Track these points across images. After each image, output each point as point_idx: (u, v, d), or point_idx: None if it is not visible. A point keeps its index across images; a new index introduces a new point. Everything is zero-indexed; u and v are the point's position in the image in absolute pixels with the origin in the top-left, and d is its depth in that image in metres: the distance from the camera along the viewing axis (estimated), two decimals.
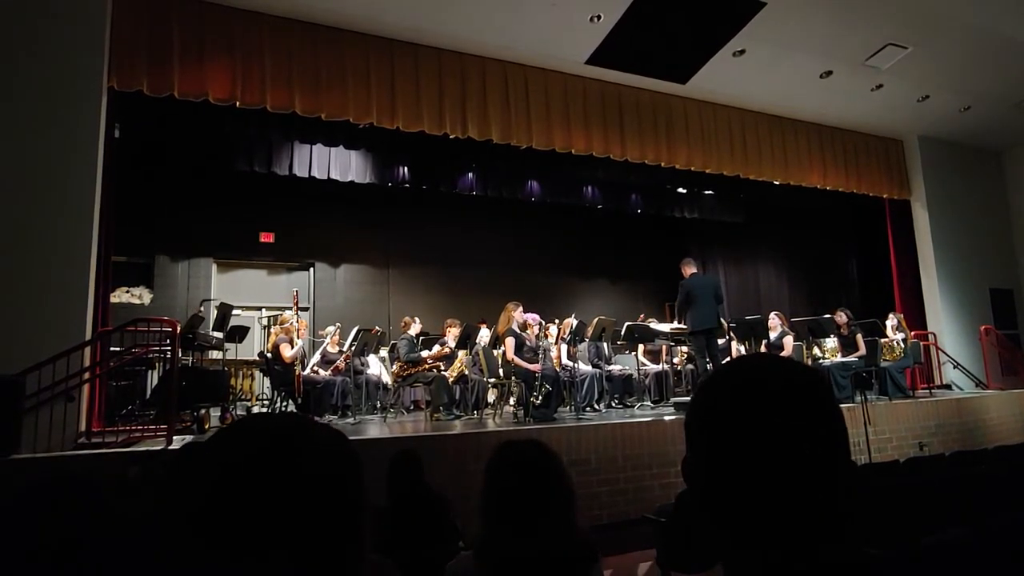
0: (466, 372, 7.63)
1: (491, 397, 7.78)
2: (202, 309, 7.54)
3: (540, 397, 6.62)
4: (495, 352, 7.32)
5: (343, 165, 8.78)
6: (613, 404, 8.33)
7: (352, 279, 11.31)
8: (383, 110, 7.10)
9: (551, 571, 1.44)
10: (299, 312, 7.49)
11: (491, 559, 1.46)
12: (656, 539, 3.58)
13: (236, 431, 0.69)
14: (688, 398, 7.30)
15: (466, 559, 1.54)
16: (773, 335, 8.30)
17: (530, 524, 1.47)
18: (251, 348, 9.33)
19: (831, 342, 8.61)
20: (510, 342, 6.92)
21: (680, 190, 10.92)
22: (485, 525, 1.53)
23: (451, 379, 7.52)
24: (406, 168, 9.20)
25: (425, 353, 7.75)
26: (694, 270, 7.32)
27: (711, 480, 0.71)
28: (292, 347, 6.96)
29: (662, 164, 8.62)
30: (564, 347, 8.15)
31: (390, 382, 8.03)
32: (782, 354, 8.03)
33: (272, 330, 7.64)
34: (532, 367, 6.81)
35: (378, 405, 7.97)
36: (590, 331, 8.11)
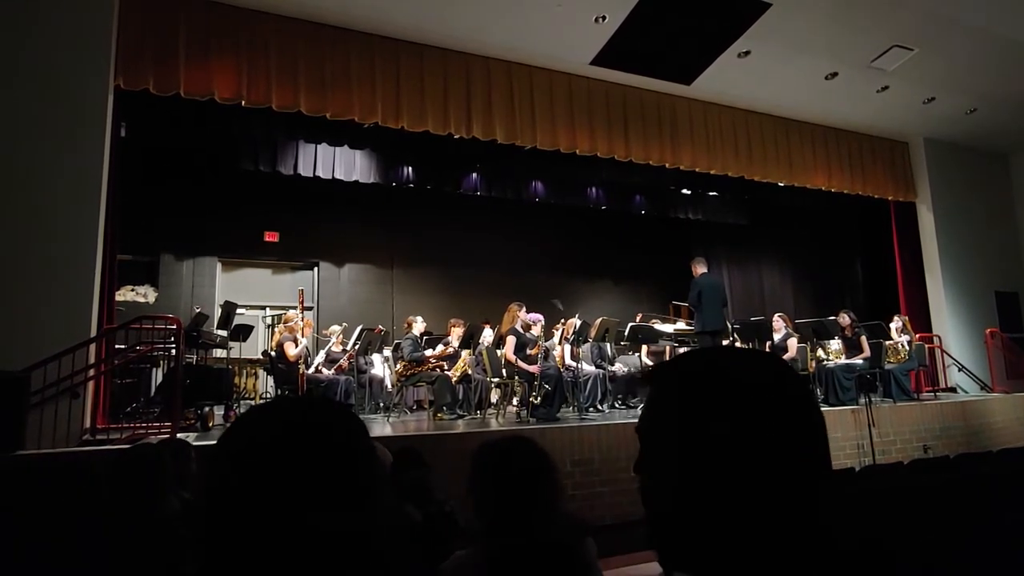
0: (469, 372, 7.64)
1: (494, 397, 7.78)
2: (196, 308, 7.58)
3: (539, 397, 6.63)
4: (498, 352, 7.32)
5: (348, 165, 8.79)
6: (616, 405, 8.32)
7: (356, 279, 11.33)
8: (388, 110, 7.11)
9: (547, 555, 1.49)
10: (304, 311, 7.51)
11: (492, 554, 1.49)
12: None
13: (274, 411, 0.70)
14: None
15: (459, 559, 1.56)
16: (777, 337, 8.28)
17: (523, 516, 1.51)
18: (255, 347, 9.35)
19: (835, 344, 8.59)
20: (510, 340, 6.94)
21: (684, 191, 10.90)
22: (483, 524, 1.56)
23: (454, 379, 7.53)
24: (410, 168, 9.20)
25: (428, 352, 7.76)
26: (704, 269, 7.34)
27: (686, 490, 0.65)
28: (296, 346, 6.97)
29: (666, 165, 8.61)
30: (567, 347, 8.14)
31: (390, 384, 8.04)
32: (786, 356, 8.04)
33: (276, 329, 7.65)
34: (530, 368, 6.82)
35: (381, 404, 7.98)
36: (593, 332, 8.11)
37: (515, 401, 7.37)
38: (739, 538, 0.62)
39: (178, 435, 5.11)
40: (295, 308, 7.51)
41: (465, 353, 7.82)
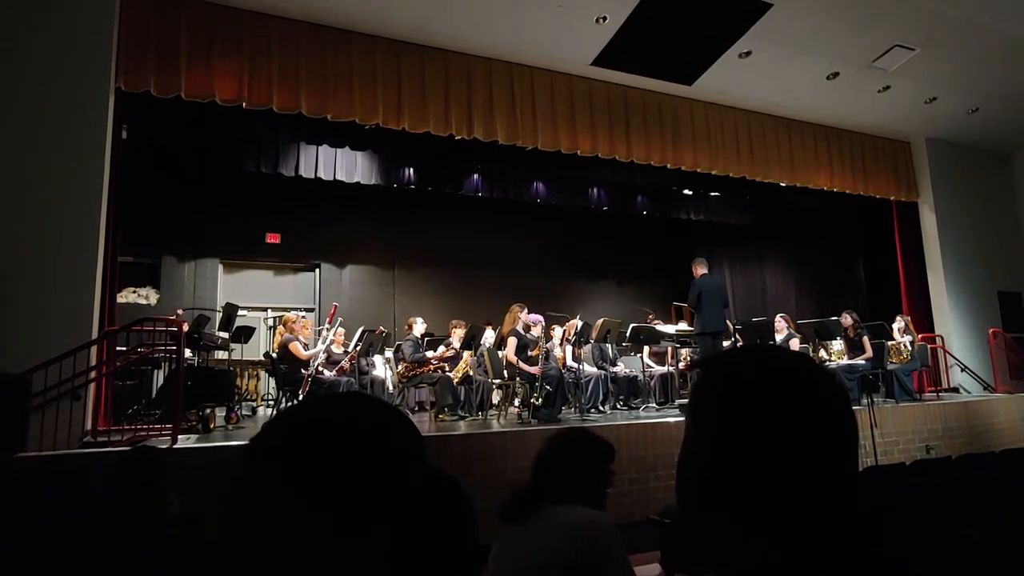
0: (471, 373, 7.63)
1: (496, 398, 7.77)
2: (180, 313, 7.58)
3: (541, 399, 6.62)
4: (499, 353, 7.32)
5: (349, 166, 8.79)
6: (618, 406, 8.31)
7: (358, 280, 11.33)
8: (389, 111, 7.11)
9: None
10: (307, 313, 7.50)
11: None
12: (660, 541, 3.57)
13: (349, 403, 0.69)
14: None
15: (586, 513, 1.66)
16: (779, 337, 8.27)
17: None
18: (256, 348, 9.35)
19: (838, 344, 8.57)
20: (512, 342, 6.95)
21: (686, 191, 10.89)
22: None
23: (456, 380, 7.52)
24: (412, 169, 9.20)
25: (430, 354, 7.75)
26: (705, 270, 7.33)
27: (719, 462, 0.68)
28: (303, 346, 7.00)
29: (668, 165, 8.60)
30: (569, 348, 8.13)
31: (392, 386, 8.02)
32: None
33: (278, 330, 7.65)
34: (531, 370, 6.82)
35: None
36: (595, 333, 8.10)
37: (517, 402, 7.37)
38: (763, 532, 0.65)
39: (179, 436, 5.11)
40: (309, 313, 7.52)
41: (467, 354, 7.82)
